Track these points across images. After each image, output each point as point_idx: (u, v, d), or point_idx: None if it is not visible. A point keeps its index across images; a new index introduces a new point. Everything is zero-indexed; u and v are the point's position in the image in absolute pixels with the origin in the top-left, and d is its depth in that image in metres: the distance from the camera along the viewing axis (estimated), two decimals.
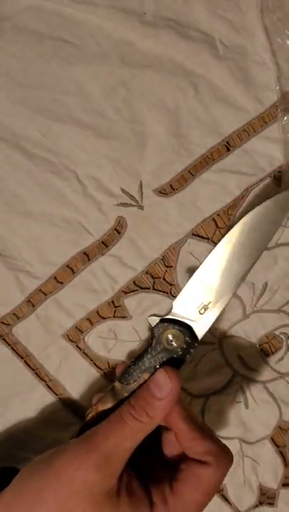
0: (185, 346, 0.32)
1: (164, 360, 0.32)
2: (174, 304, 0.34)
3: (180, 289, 0.40)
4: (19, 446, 0.40)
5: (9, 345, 0.40)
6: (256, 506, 0.42)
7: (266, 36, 0.40)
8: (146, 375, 0.32)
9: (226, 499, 0.42)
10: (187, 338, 0.32)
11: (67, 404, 0.40)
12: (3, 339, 0.40)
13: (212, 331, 0.41)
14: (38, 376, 0.40)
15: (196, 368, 0.42)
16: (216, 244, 0.40)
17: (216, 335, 0.42)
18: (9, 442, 0.40)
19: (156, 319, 0.33)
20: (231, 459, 0.32)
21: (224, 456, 0.31)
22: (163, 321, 0.33)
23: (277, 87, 0.40)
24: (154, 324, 0.33)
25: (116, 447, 0.29)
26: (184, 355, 0.32)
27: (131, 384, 0.32)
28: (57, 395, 0.40)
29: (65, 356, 0.40)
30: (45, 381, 0.40)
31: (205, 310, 0.33)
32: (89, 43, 0.40)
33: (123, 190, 0.40)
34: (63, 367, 0.40)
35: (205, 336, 0.40)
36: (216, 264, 0.34)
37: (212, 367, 0.42)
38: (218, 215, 0.41)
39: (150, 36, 0.40)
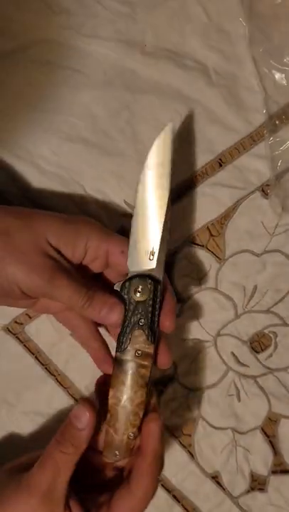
0: (152, 290, 0.34)
1: (141, 310, 0.34)
2: (128, 265, 0.35)
3: (178, 292, 0.42)
4: (30, 435, 0.41)
5: (22, 342, 0.41)
6: (248, 492, 0.44)
7: (254, 65, 0.40)
8: (136, 332, 0.33)
9: (220, 485, 0.43)
10: (150, 283, 0.34)
11: (75, 397, 0.42)
12: (17, 337, 0.41)
13: (207, 329, 0.43)
14: (48, 371, 0.42)
15: (193, 364, 0.43)
16: (210, 250, 0.42)
17: (211, 333, 0.43)
18: (21, 432, 0.41)
19: (120, 283, 0.34)
20: (152, 495, 0.33)
21: (147, 495, 0.32)
22: (126, 281, 0.34)
23: (265, 110, 0.41)
24: (120, 288, 0.34)
25: (52, 484, 0.31)
26: (155, 299, 0.34)
27: (127, 348, 0.33)
28: (65, 388, 0.42)
29: (73, 353, 0.42)
30: (54, 375, 0.42)
31: (153, 255, 0.34)
32: (96, 71, 0.40)
33: (126, 202, 0.41)
34: (71, 362, 0.42)
35: (201, 334, 0.42)
36: (141, 217, 0.35)
37: (207, 363, 0.43)
38: (212, 224, 0.42)
39: (150, 65, 0.41)
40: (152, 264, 0.34)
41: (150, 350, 0.34)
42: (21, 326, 0.41)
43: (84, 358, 0.42)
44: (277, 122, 0.41)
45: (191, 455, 0.44)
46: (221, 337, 0.43)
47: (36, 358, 0.42)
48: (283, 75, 0.40)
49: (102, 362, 0.38)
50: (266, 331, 0.43)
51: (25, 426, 0.42)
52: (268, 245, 0.43)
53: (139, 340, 0.34)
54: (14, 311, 0.41)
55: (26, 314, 0.41)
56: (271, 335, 0.43)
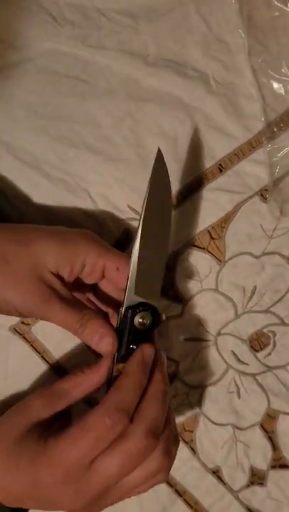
0: (153, 320, 0.35)
1: (140, 338, 0.34)
2: (128, 290, 0.34)
3: (179, 293, 0.43)
4: None
5: (28, 342, 0.42)
6: (248, 486, 0.44)
7: (253, 74, 0.41)
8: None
9: (221, 480, 0.44)
10: (150, 315, 0.34)
11: None
12: (24, 337, 0.42)
13: (208, 329, 0.44)
14: (54, 369, 0.42)
15: (194, 362, 0.44)
16: (210, 252, 0.43)
17: (211, 333, 0.44)
18: None
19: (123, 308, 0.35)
20: (121, 416, 0.31)
21: (113, 406, 0.32)
22: (128, 308, 0.34)
23: (263, 118, 0.41)
24: (123, 312, 0.35)
25: (62, 390, 0.34)
26: (152, 329, 0.35)
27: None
28: None
29: (78, 352, 0.42)
30: (60, 374, 0.42)
31: (153, 285, 0.35)
32: (99, 80, 0.41)
33: (129, 207, 0.42)
34: (76, 361, 0.43)
35: (202, 333, 0.43)
36: (144, 249, 0.34)
37: (208, 361, 0.44)
38: (212, 227, 0.43)
39: (152, 74, 0.41)
40: (152, 295, 0.35)
41: None
42: (28, 326, 0.42)
43: (89, 358, 0.43)
44: (275, 130, 0.42)
45: (193, 450, 0.44)
46: (221, 336, 0.44)
47: (42, 357, 0.43)
48: (281, 85, 0.41)
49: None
50: (265, 330, 0.44)
51: None
52: (266, 248, 0.44)
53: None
54: None
55: None
56: (270, 334, 0.44)
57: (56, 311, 0.34)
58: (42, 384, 0.43)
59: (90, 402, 0.40)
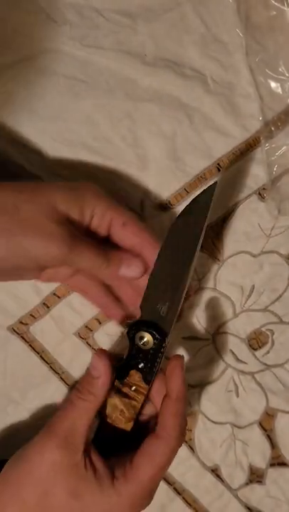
0: (157, 343, 0.34)
1: (142, 357, 0.34)
2: (140, 307, 0.34)
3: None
4: (35, 432, 0.39)
5: (27, 342, 0.42)
6: (247, 484, 0.44)
7: (251, 74, 0.41)
8: (132, 372, 0.34)
9: (219, 478, 0.44)
10: (156, 338, 0.34)
11: None
12: (22, 337, 0.42)
13: (206, 328, 0.44)
14: (53, 369, 0.42)
15: (193, 361, 0.44)
16: (209, 252, 0.43)
17: (210, 332, 0.44)
18: (26, 429, 0.42)
19: (129, 323, 0.35)
20: (181, 439, 0.33)
21: (177, 434, 0.33)
22: (133, 325, 0.34)
23: (261, 117, 0.42)
24: (128, 329, 0.34)
25: (72, 427, 0.32)
26: (158, 351, 0.34)
27: (123, 379, 0.35)
28: (69, 386, 0.42)
29: (77, 352, 0.42)
30: (58, 374, 0.42)
31: (167, 309, 0.34)
32: (98, 80, 0.41)
33: (127, 206, 0.42)
34: (75, 361, 0.43)
35: (200, 332, 0.43)
36: (163, 270, 0.34)
37: (207, 360, 0.44)
38: (210, 226, 0.43)
39: (150, 74, 0.41)
40: (164, 317, 0.34)
41: (144, 390, 0.35)
42: (26, 326, 0.42)
43: (87, 357, 0.43)
44: (272, 129, 0.42)
45: (192, 449, 0.44)
46: (219, 335, 0.44)
47: (41, 357, 0.42)
48: (278, 84, 0.41)
49: (115, 315, 0.40)
50: (263, 329, 0.44)
51: (30, 423, 0.42)
52: (264, 246, 0.44)
53: (135, 379, 0.35)
54: (19, 312, 0.42)
55: (31, 315, 0.42)
56: (268, 332, 0.44)
57: (82, 251, 0.33)
58: (42, 385, 0.43)
59: None
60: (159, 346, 0.34)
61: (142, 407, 0.35)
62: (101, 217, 0.35)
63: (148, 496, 0.33)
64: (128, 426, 0.35)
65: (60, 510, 0.32)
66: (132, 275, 0.35)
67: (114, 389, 0.35)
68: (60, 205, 0.33)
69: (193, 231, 0.34)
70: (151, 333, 0.34)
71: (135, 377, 0.35)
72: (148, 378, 0.35)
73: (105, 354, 0.33)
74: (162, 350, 0.34)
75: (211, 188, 0.34)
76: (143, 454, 0.32)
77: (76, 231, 0.34)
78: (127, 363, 0.35)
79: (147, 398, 0.35)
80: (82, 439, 0.32)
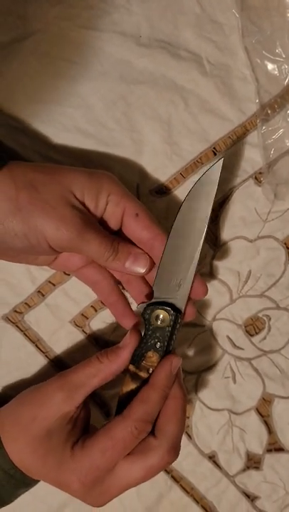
0: (173, 320, 0.35)
1: (159, 336, 0.35)
2: (154, 288, 0.36)
3: None
4: None
5: (22, 331, 0.42)
6: (244, 470, 0.45)
7: (247, 55, 0.41)
8: (149, 353, 0.35)
9: (217, 465, 0.44)
10: (172, 314, 0.35)
11: None
12: (17, 326, 0.42)
13: (203, 314, 0.44)
14: (48, 358, 0.42)
15: (190, 348, 0.44)
16: (205, 238, 0.43)
17: (207, 318, 0.44)
18: None
19: (144, 305, 0.36)
20: (143, 425, 0.34)
21: (137, 418, 0.33)
22: (149, 305, 0.36)
23: (257, 100, 0.41)
24: (142, 310, 0.36)
25: (80, 380, 0.34)
26: (174, 328, 0.35)
27: (140, 363, 0.35)
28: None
29: (72, 340, 0.43)
30: (54, 362, 0.42)
31: (179, 287, 0.35)
32: (92, 62, 0.41)
33: None
34: (71, 349, 0.43)
35: (197, 319, 0.43)
36: (174, 248, 0.35)
37: (204, 347, 0.44)
38: None
39: (145, 56, 0.41)
40: (178, 294, 0.36)
41: None
42: (21, 314, 0.42)
43: (83, 346, 0.43)
44: (269, 112, 0.41)
45: (189, 436, 0.45)
46: (216, 321, 0.44)
47: (36, 346, 0.42)
48: (275, 66, 0.40)
49: (122, 316, 0.40)
50: (260, 315, 0.44)
51: None
52: (261, 231, 0.44)
53: (152, 360, 0.35)
54: (13, 300, 0.42)
55: (25, 303, 0.42)
56: (265, 318, 0.44)
57: (91, 239, 0.34)
58: (37, 374, 0.43)
59: None
60: (175, 323, 0.35)
61: None
62: (115, 205, 0.35)
63: (98, 479, 0.33)
64: None
65: (35, 436, 0.34)
66: (137, 270, 0.36)
67: (130, 375, 0.35)
68: (76, 191, 0.34)
69: (203, 209, 0.35)
70: (166, 310, 0.35)
71: (152, 358, 0.35)
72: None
73: (136, 333, 0.35)
74: (178, 326, 0.36)
75: (218, 164, 0.35)
76: (103, 429, 0.34)
77: (89, 218, 0.35)
78: (142, 346, 0.35)
79: None
80: (82, 395, 0.34)
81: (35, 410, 0.34)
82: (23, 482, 0.35)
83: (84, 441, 0.34)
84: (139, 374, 0.35)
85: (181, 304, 0.36)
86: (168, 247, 0.35)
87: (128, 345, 0.34)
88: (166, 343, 0.35)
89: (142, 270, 0.36)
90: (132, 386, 0.35)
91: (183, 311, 0.36)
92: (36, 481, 0.36)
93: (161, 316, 0.35)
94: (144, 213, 0.36)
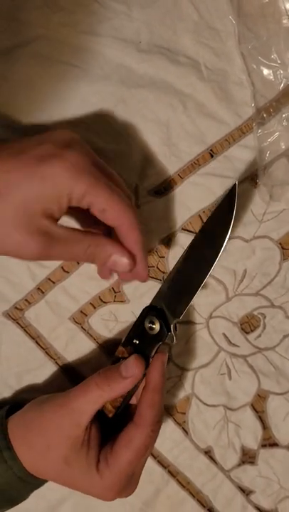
0: (160, 329, 0.37)
1: (146, 342, 0.37)
2: (156, 295, 0.38)
3: None
4: None
5: (22, 327, 0.42)
6: (239, 465, 0.45)
7: (243, 61, 0.41)
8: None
9: (212, 460, 0.45)
10: (162, 322, 0.37)
11: (73, 379, 0.43)
12: (17, 322, 0.42)
13: (200, 312, 0.44)
14: (48, 354, 0.43)
15: (187, 345, 0.44)
16: None
17: (203, 316, 0.44)
18: None
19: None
20: (158, 425, 0.36)
21: (152, 422, 0.36)
22: (145, 309, 0.37)
23: (253, 104, 0.42)
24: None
25: (81, 407, 0.35)
26: (161, 337, 0.37)
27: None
28: (64, 370, 0.43)
29: (72, 336, 0.43)
30: (54, 359, 0.43)
31: (178, 303, 0.37)
32: (93, 66, 0.41)
33: None
34: (70, 346, 0.43)
35: (194, 316, 0.43)
36: (185, 269, 0.37)
37: (200, 344, 0.45)
38: (203, 212, 0.43)
39: (145, 61, 0.42)
40: (173, 310, 0.38)
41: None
42: (21, 311, 0.42)
43: (83, 342, 0.43)
44: (264, 115, 0.42)
45: (185, 432, 0.45)
46: (212, 319, 0.45)
47: (36, 342, 0.43)
48: (270, 71, 0.41)
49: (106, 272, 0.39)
50: (255, 313, 0.45)
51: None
52: (256, 231, 0.44)
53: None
54: (14, 297, 0.42)
55: (26, 300, 0.42)
56: (260, 316, 0.45)
57: (58, 255, 0.32)
58: (37, 370, 0.43)
59: None
60: (163, 332, 0.37)
61: (130, 396, 0.37)
62: (78, 202, 0.32)
63: (129, 481, 0.36)
64: (110, 413, 0.37)
65: (54, 465, 0.35)
66: (120, 268, 0.35)
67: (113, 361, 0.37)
68: (35, 204, 0.31)
69: (216, 244, 0.37)
70: (156, 318, 0.37)
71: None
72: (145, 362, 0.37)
73: (142, 363, 0.36)
74: (164, 339, 0.37)
75: (232, 193, 0.36)
76: (122, 441, 0.35)
77: (54, 229, 0.32)
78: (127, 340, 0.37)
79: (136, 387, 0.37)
80: (86, 420, 0.35)
81: (47, 438, 0.35)
82: (38, 484, 0.37)
83: (107, 460, 0.35)
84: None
85: (175, 317, 0.38)
86: (179, 270, 0.38)
87: (132, 376, 0.35)
88: (148, 351, 0.37)
89: (122, 271, 0.35)
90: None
91: (171, 325, 0.37)
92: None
93: (151, 322, 0.37)
94: (111, 207, 0.32)
